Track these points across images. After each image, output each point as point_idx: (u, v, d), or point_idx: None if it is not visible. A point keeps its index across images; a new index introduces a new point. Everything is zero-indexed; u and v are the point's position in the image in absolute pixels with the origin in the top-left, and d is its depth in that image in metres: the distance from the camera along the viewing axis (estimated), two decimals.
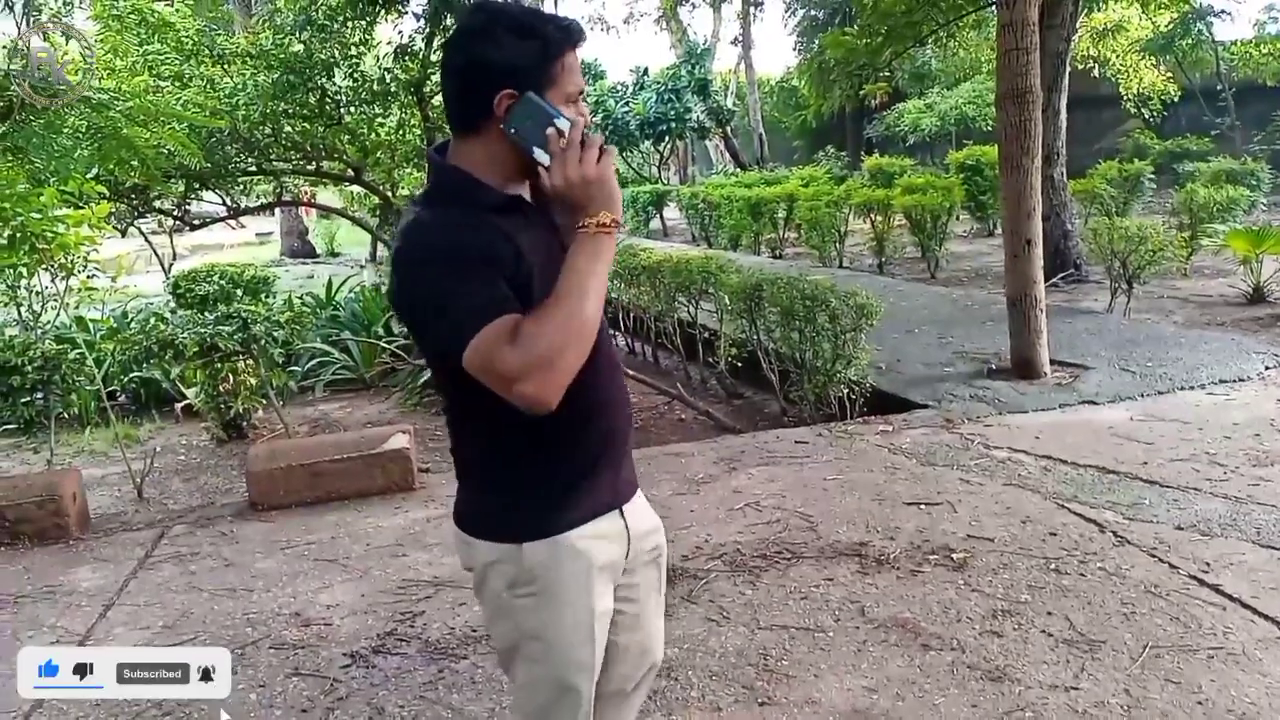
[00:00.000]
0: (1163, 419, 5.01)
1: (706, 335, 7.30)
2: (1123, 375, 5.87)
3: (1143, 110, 22.83)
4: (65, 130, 5.18)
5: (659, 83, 23.55)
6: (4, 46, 4.94)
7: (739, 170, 26.13)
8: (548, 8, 31.70)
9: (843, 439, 4.98)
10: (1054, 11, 9.52)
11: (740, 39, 29.90)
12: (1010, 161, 5.91)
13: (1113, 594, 3.14)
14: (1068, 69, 10.12)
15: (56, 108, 4.77)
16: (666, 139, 24.66)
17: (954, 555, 3.49)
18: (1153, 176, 14.70)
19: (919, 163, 22.71)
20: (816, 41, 23.77)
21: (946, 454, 4.65)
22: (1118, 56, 22.49)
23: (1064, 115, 9.94)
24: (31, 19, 4.90)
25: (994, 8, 10.04)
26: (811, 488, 4.29)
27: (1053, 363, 6.01)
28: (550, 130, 1.40)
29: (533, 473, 1.55)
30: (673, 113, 22.91)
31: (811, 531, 3.78)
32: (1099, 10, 19.62)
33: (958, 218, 13.07)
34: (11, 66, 4.76)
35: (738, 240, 15.77)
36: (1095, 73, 22.41)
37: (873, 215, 12.40)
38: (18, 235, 5.60)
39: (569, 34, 1.45)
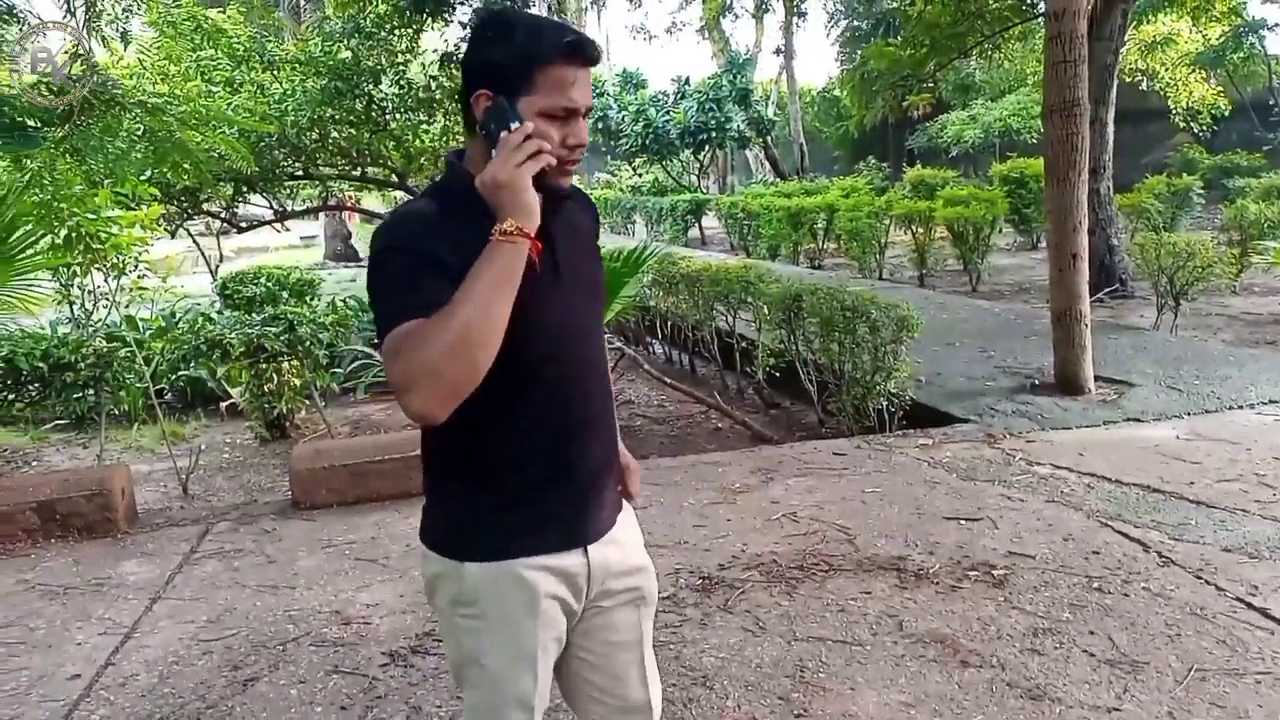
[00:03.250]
0: (1210, 438, 4.92)
1: (744, 345, 7.29)
2: (1169, 393, 5.78)
3: (1192, 124, 22.45)
4: (121, 133, 5.30)
5: (700, 92, 23.59)
6: (65, 51, 5.07)
7: (779, 180, 26.07)
8: (591, 17, 31.77)
9: (882, 451, 4.95)
10: (1103, 24, 9.42)
11: (782, 49, 29.86)
12: (1056, 174, 5.85)
13: (1157, 615, 3.09)
14: (1116, 82, 9.99)
15: (114, 111, 4.89)
16: (706, 148, 24.68)
17: (994, 571, 3.45)
18: (1201, 191, 14.48)
19: (962, 175, 22.50)
20: (859, 52, 23.66)
21: (987, 469, 4.60)
22: (1167, 69, 22.16)
23: (1111, 128, 9.82)
24: (92, 24, 5.02)
25: (1041, 20, 9.96)
26: (850, 500, 4.27)
27: (1097, 379, 5.93)
28: (503, 134, 1.36)
29: (477, 490, 1.49)
30: (713, 122, 22.93)
31: (849, 544, 3.76)
32: (1148, 23, 19.36)
33: (1000, 230, 12.96)
34: (73, 71, 4.89)
35: (776, 250, 15.74)
36: (1144, 86, 22.09)
37: (914, 227, 12.32)
38: (73, 235, 5.77)
39: (555, 45, 1.38)
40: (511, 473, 1.48)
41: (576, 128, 1.42)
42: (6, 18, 4.70)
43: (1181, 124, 22.67)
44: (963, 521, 3.95)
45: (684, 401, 7.30)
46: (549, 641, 1.51)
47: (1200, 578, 3.34)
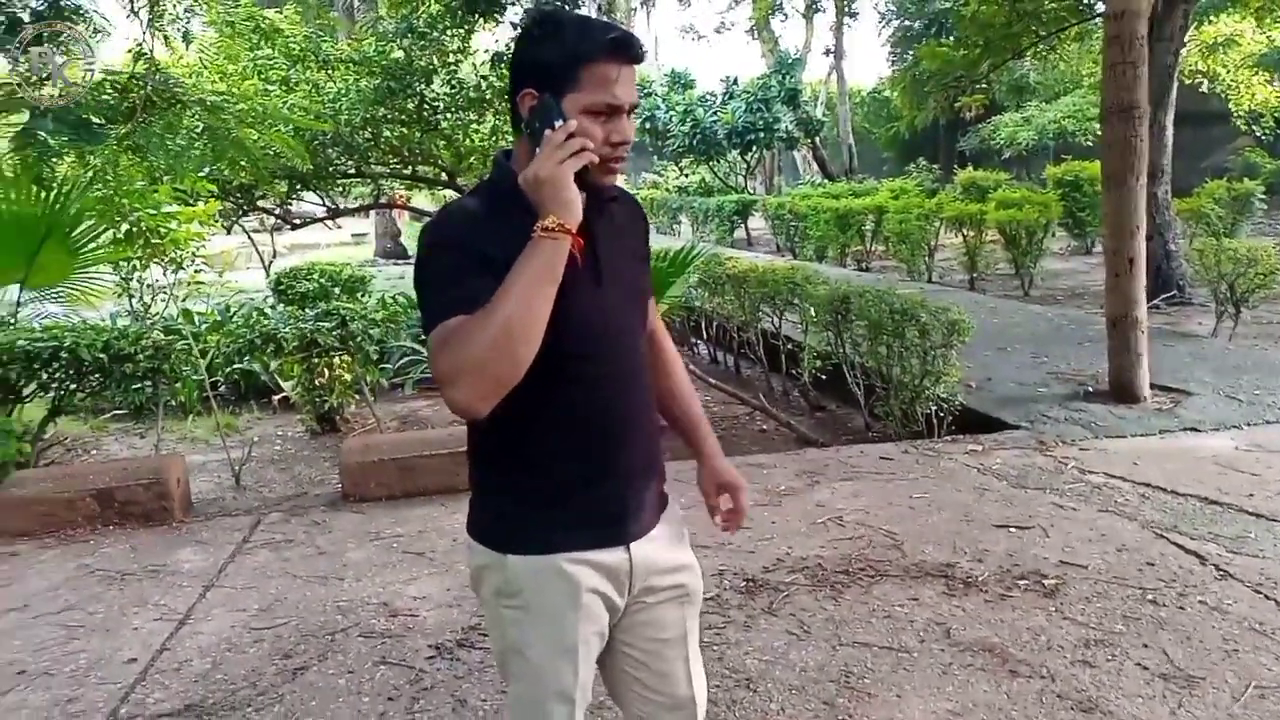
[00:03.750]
0: (1271, 449, 4.79)
1: (790, 346, 7.25)
2: (1228, 402, 5.64)
3: (1254, 128, 21.87)
4: (182, 131, 5.43)
5: (748, 92, 23.49)
6: (130, 51, 5.20)
7: (827, 181, 25.89)
8: (640, 18, 31.82)
9: (930, 457, 4.90)
10: (1163, 25, 9.21)
11: (832, 49, 29.65)
12: (1114, 178, 5.73)
13: (1214, 629, 3.02)
14: (1176, 84, 9.77)
15: (175, 109, 5.00)
16: (754, 149, 24.57)
17: (1045, 581, 3.40)
18: (1264, 197, 14.10)
19: (1014, 177, 22.15)
20: (911, 52, 23.42)
21: (1039, 477, 4.52)
22: (1228, 72, 21.58)
23: (1170, 131, 9.60)
24: (155, 24, 5.15)
25: (1099, 20, 9.77)
26: (897, 505, 4.22)
27: (1153, 387, 5.80)
28: (547, 132, 1.37)
29: (516, 484, 1.51)
30: (761, 122, 22.82)
31: (896, 550, 3.73)
32: (1210, 24, 18.89)
33: (1054, 234, 12.72)
34: (136, 70, 5.01)
35: (823, 252, 15.63)
36: (1204, 88, 21.55)
37: (965, 230, 12.15)
38: (134, 230, 5.91)
39: (598, 43, 1.39)
40: (550, 468, 1.50)
41: (620, 125, 1.43)
42: (74, 17, 4.82)
43: (1243, 127, 22.09)
44: (1013, 529, 3.89)
45: (728, 402, 7.28)
46: (591, 635, 1.52)
47: (1259, 592, 3.26)
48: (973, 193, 17.70)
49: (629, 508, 1.54)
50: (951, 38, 16.25)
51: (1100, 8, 10.14)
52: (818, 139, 26.66)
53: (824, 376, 6.61)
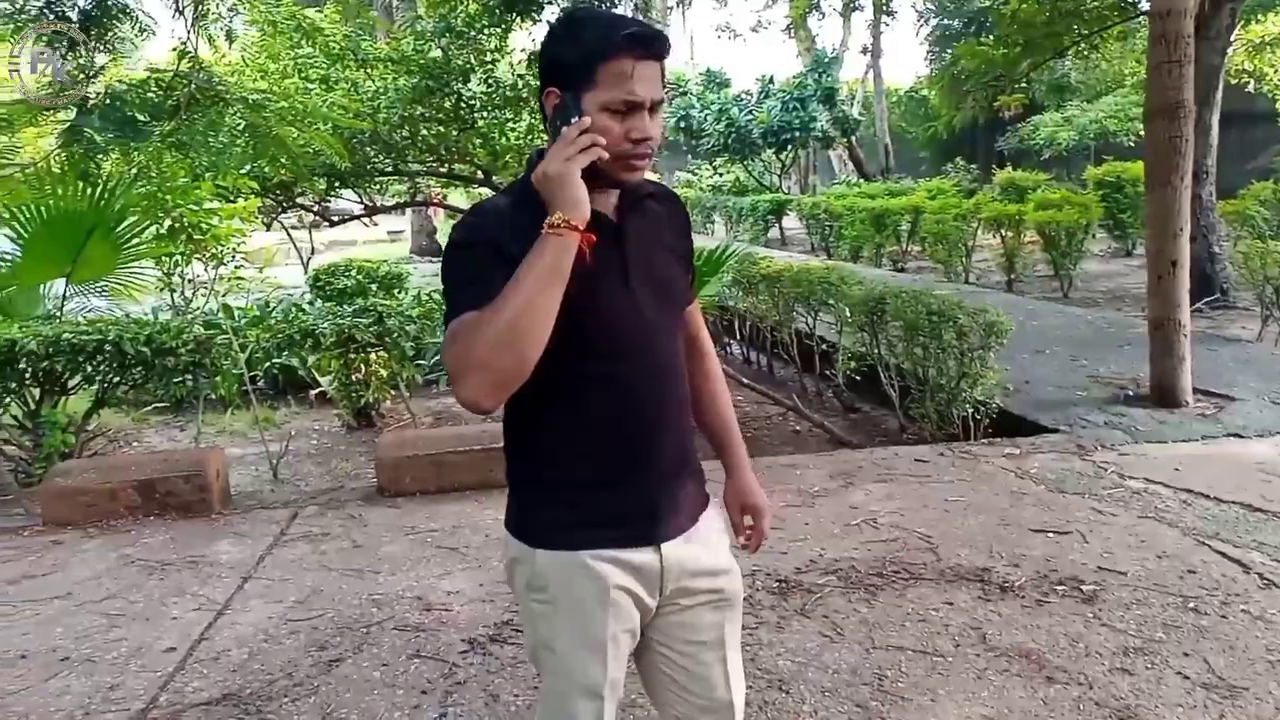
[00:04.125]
0: None
1: (824, 347, 7.21)
2: (1273, 408, 5.52)
3: None
4: (224, 128, 5.51)
5: (784, 91, 23.35)
6: (174, 49, 5.28)
7: (863, 180, 25.70)
8: (676, 17, 31.78)
9: (966, 460, 4.85)
10: (1209, 23, 9.03)
11: (870, 47, 29.41)
12: (1157, 179, 5.64)
13: (1257, 639, 2.96)
14: (1221, 83, 9.58)
15: (218, 107, 5.07)
16: (789, 148, 24.44)
17: (1083, 587, 3.35)
18: None
19: (1054, 178, 21.84)
20: (949, 51, 23.16)
21: (1077, 481, 4.46)
22: (1276, 71, 21.13)
23: (1215, 132, 9.41)
24: (199, 25, 5.22)
25: (1142, 19, 9.60)
26: (932, 508, 4.19)
27: (1195, 391, 5.70)
28: (565, 130, 1.38)
29: (544, 479, 1.53)
30: (797, 121, 22.69)
31: (931, 553, 3.69)
32: (1258, 22, 18.50)
33: (1094, 236, 12.54)
34: (180, 68, 5.08)
35: (858, 252, 15.52)
36: (1250, 88, 21.11)
37: (1003, 230, 12.00)
38: (176, 226, 6.00)
39: (613, 39, 1.38)
40: (575, 466, 1.50)
41: (640, 122, 1.41)
42: (120, 16, 4.91)
43: None
44: (1050, 534, 3.84)
45: (761, 402, 7.26)
46: (620, 633, 1.51)
47: None
48: (1011, 193, 17.48)
49: (658, 508, 1.53)
50: (991, 36, 16.04)
51: (1144, 5, 9.98)
52: (854, 138, 26.46)
53: (858, 377, 6.57)
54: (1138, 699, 2.65)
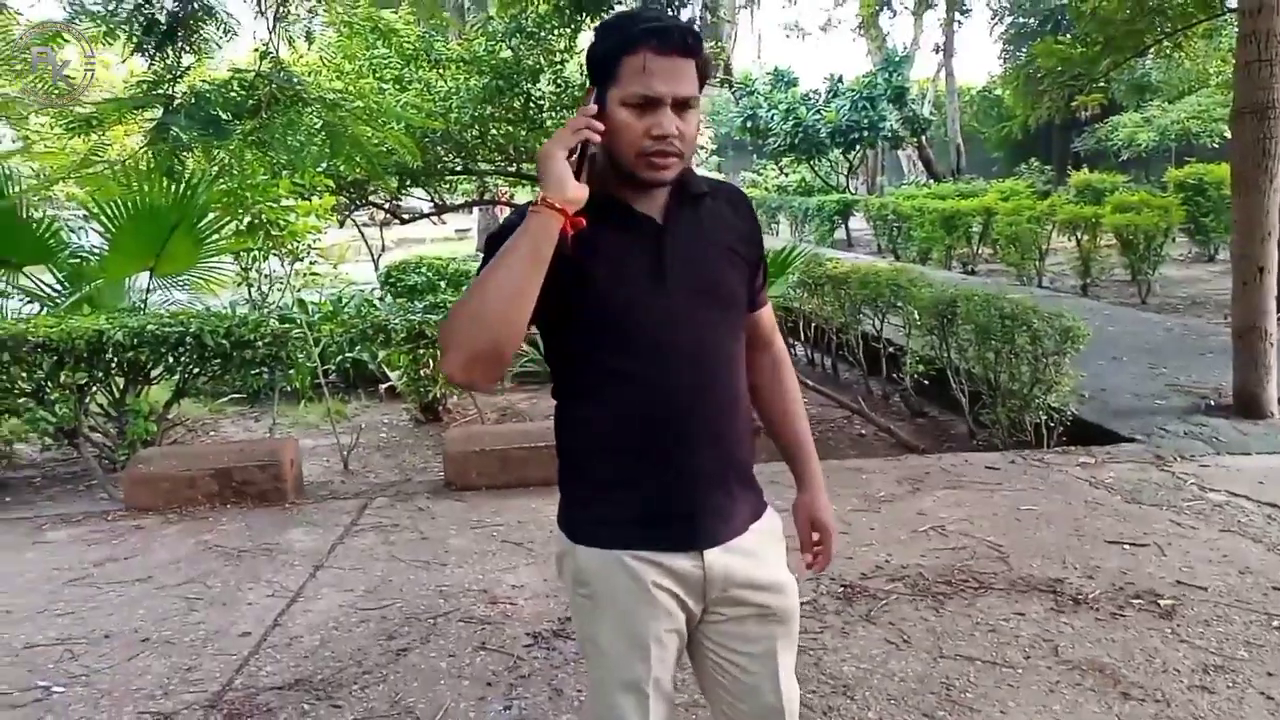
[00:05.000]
0: None
1: (891, 350, 7.11)
2: None
3: None
4: (302, 127, 5.64)
5: (853, 90, 23.08)
6: (255, 50, 5.43)
7: (932, 181, 25.28)
8: (745, 16, 31.60)
9: (1038, 468, 4.74)
10: None
11: (942, 46, 28.90)
12: (1244, 181, 5.45)
13: None
14: None
15: (297, 107, 5.20)
16: (857, 147, 24.16)
17: (1161, 601, 3.25)
18: None
19: (1132, 180, 21.23)
20: (1025, 49, 22.65)
21: (1155, 493, 4.33)
22: None
23: None
24: (280, 26, 5.35)
25: (1229, 16, 9.27)
26: (1002, 516, 4.10)
27: None
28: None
29: (584, 477, 1.53)
30: (866, 121, 22.41)
31: (1002, 562, 3.62)
32: None
33: (1174, 240, 12.14)
34: (261, 68, 5.22)
35: (927, 254, 15.28)
36: None
37: (1079, 233, 11.71)
38: (255, 222, 6.18)
39: (633, 35, 1.38)
40: (606, 465, 1.50)
41: (659, 119, 1.39)
42: (205, 18, 5.06)
43: None
44: (1126, 546, 3.74)
45: (825, 405, 7.18)
46: (664, 633, 1.50)
47: None
48: (1087, 195, 17.04)
49: (696, 514, 1.50)
50: (1069, 34, 15.64)
51: (1232, 3, 9.63)
52: (924, 138, 26.03)
53: (926, 381, 6.47)
54: (1218, 718, 2.57)
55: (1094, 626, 3.10)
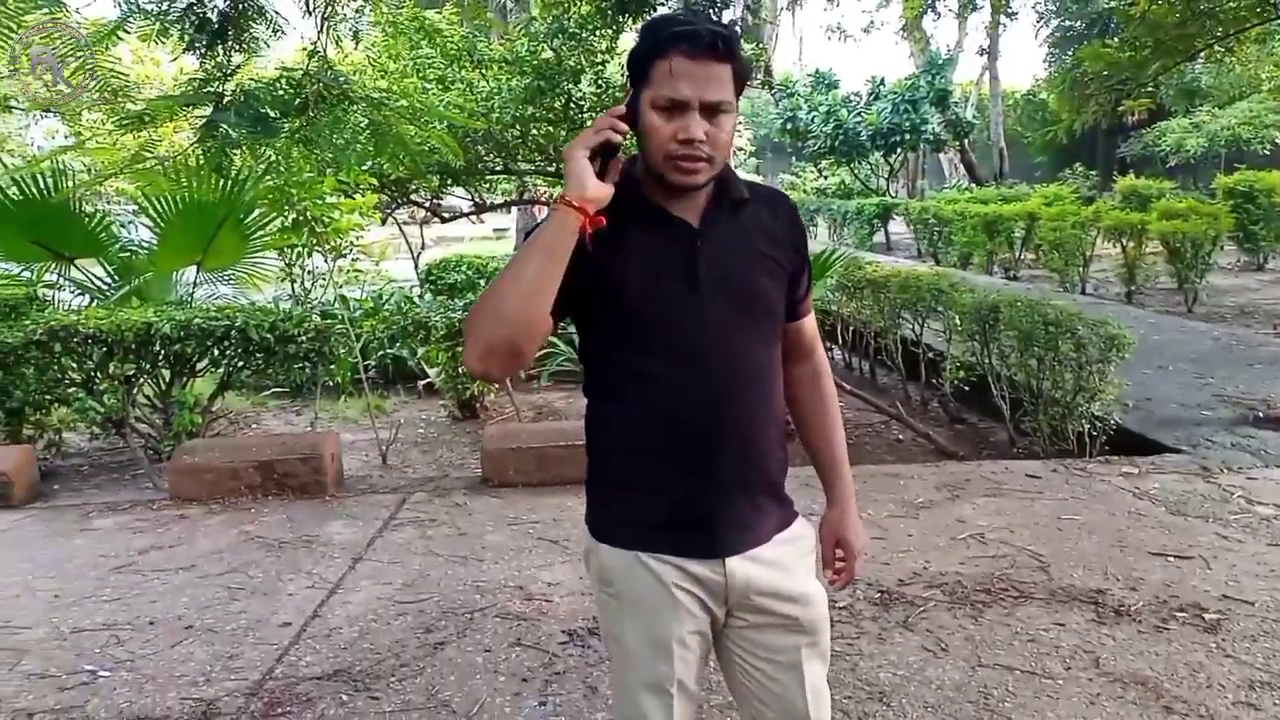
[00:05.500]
0: None
1: (931, 355, 7.04)
2: None
3: None
4: (348, 126, 5.70)
5: (895, 93, 22.89)
6: (303, 49, 5.50)
7: (974, 185, 25.00)
8: (786, 18, 31.41)
9: (1080, 477, 4.67)
10: None
11: (986, 49, 28.58)
12: None
13: None
14: None
15: (343, 105, 5.25)
16: (898, 151, 23.96)
17: (1205, 615, 3.19)
18: None
19: (1180, 186, 20.83)
20: (1071, 53, 22.32)
21: (1200, 505, 4.25)
22: None
23: None
24: (330, 25, 5.42)
25: None
26: (1043, 525, 4.05)
27: None
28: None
29: (607, 477, 1.55)
30: (907, 124, 22.22)
31: (1042, 572, 3.57)
32: None
33: (1222, 248, 11.90)
34: (309, 67, 5.28)
35: (968, 259, 15.12)
36: None
37: (1124, 240, 11.51)
38: (300, 219, 6.26)
39: (662, 38, 1.38)
40: (627, 466, 1.51)
41: (687, 122, 1.38)
42: (255, 16, 5.13)
43: None
44: (1171, 559, 3.67)
45: (863, 409, 7.12)
46: (687, 634, 1.50)
47: None
48: (1133, 201, 16.75)
49: (719, 521, 1.49)
50: (1116, 38, 15.39)
51: None
52: (967, 141, 25.76)
53: (966, 388, 6.40)
54: None
55: (1136, 639, 3.05)
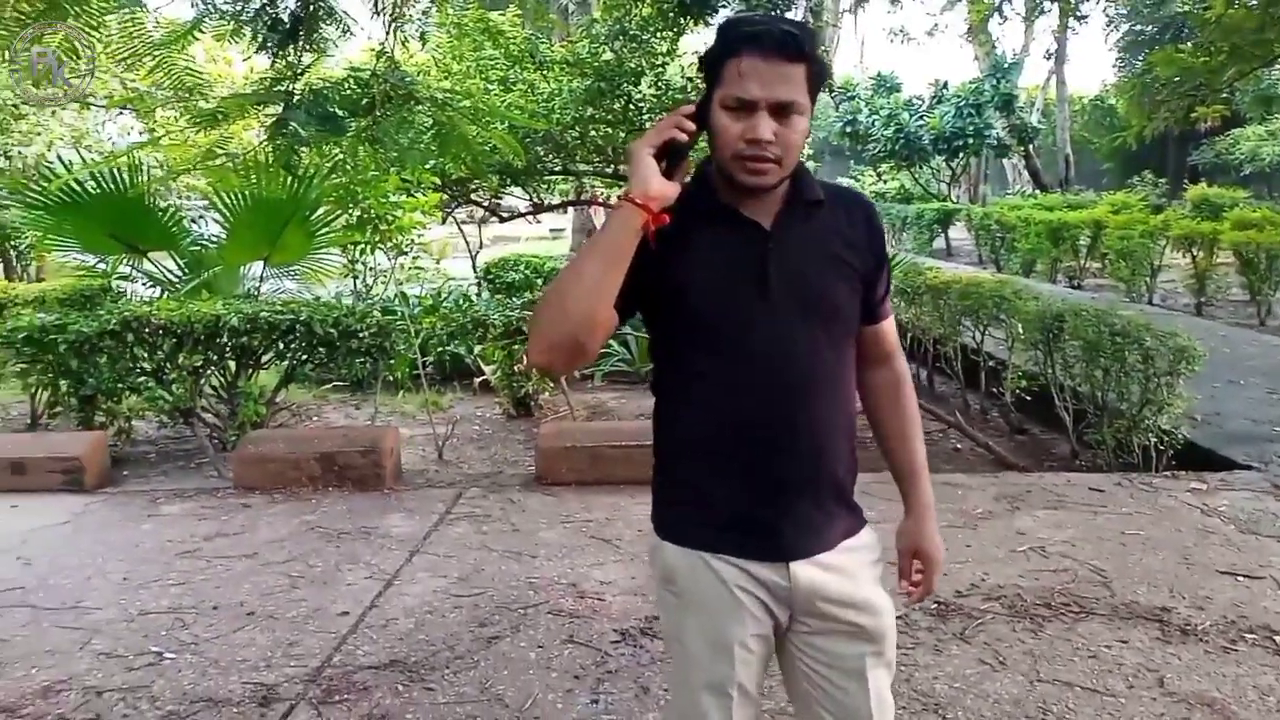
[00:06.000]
0: None
1: (992, 364, 6.92)
2: None
3: None
4: (412, 126, 5.79)
5: (959, 96, 22.56)
6: (371, 50, 5.61)
7: (1038, 191, 24.52)
8: (848, 20, 31.22)
9: (1146, 492, 4.56)
10: None
11: (1053, 53, 28.01)
12: None
13: None
14: None
15: (409, 105, 5.33)
16: (961, 155, 23.60)
17: (1277, 637, 3.09)
18: None
19: (1254, 195, 20.22)
20: (1141, 58, 21.79)
21: (1273, 523, 4.12)
22: None
23: None
24: (397, 26, 5.50)
25: None
26: (1107, 540, 3.96)
27: None
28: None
29: (671, 476, 1.55)
30: (971, 128, 21.88)
31: (1105, 587, 3.49)
32: None
33: None
34: (377, 67, 5.38)
35: (1031, 266, 14.83)
36: None
37: (1194, 250, 11.20)
38: (364, 216, 6.37)
39: (733, 38, 1.39)
40: (692, 465, 1.51)
41: (754, 123, 1.37)
42: (325, 17, 5.23)
43: None
44: (1240, 578, 3.57)
45: (920, 417, 7.04)
46: (750, 637, 1.49)
47: None
48: (1205, 210, 16.33)
49: (784, 526, 1.48)
50: (1189, 42, 14.97)
51: None
52: (1032, 147, 25.27)
53: (1028, 398, 6.28)
54: None
55: (1203, 659, 2.97)
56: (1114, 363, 5.04)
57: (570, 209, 20.78)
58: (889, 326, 1.64)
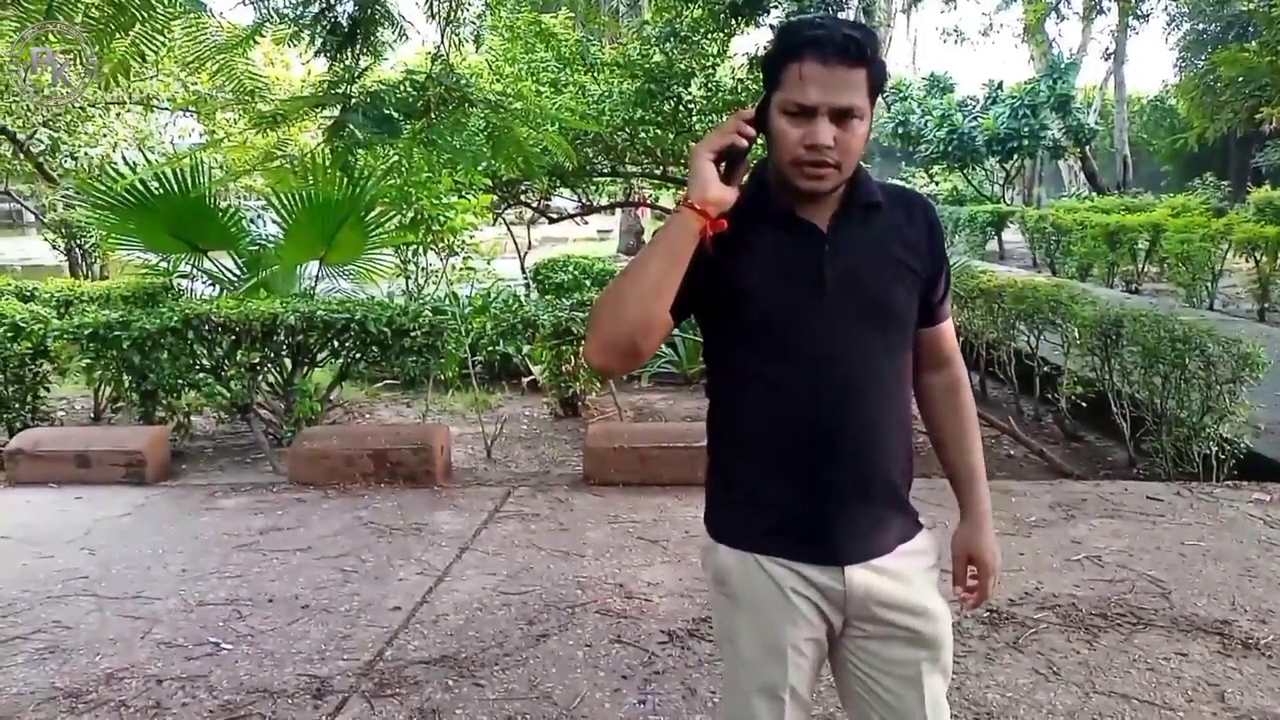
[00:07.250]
0: None
1: (1046, 369, 6.80)
2: None
3: None
4: (466, 128, 5.86)
5: (1014, 97, 22.18)
6: (426, 53, 5.68)
7: (1095, 194, 24.03)
8: (901, 21, 30.83)
9: (1206, 502, 4.45)
10: None
11: (1112, 53, 27.42)
12: None
13: None
14: None
15: (463, 108, 5.40)
16: (1015, 157, 23.21)
17: None
18: None
19: None
20: (1204, 57, 21.25)
21: None
22: None
23: None
24: (451, 29, 5.57)
25: None
26: (1165, 550, 3.87)
27: None
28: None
29: (725, 478, 1.55)
30: (1026, 129, 21.49)
31: (1163, 599, 3.42)
32: None
33: None
34: (432, 70, 5.45)
35: (1087, 270, 14.54)
36: None
37: (1258, 255, 10.90)
38: (417, 217, 6.46)
39: (792, 42, 1.38)
40: (745, 467, 1.51)
41: (814, 128, 1.36)
42: (382, 21, 5.31)
43: None
44: None
45: None
46: (803, 641, 1.49)
47: None
48: (1269, 214, 15.85)
49: (837, 529, 1.47)
50: (1255, 42, 14.58)
51: None
52: (1088, 148, 24.77)
53: (1083, 404, 6.16)
54: None
55: (1266, 674, 2.89)
56: (1174, 369, 4.93)
57: (618, 210, 20.86)
58: (947, 329, 1.62)
